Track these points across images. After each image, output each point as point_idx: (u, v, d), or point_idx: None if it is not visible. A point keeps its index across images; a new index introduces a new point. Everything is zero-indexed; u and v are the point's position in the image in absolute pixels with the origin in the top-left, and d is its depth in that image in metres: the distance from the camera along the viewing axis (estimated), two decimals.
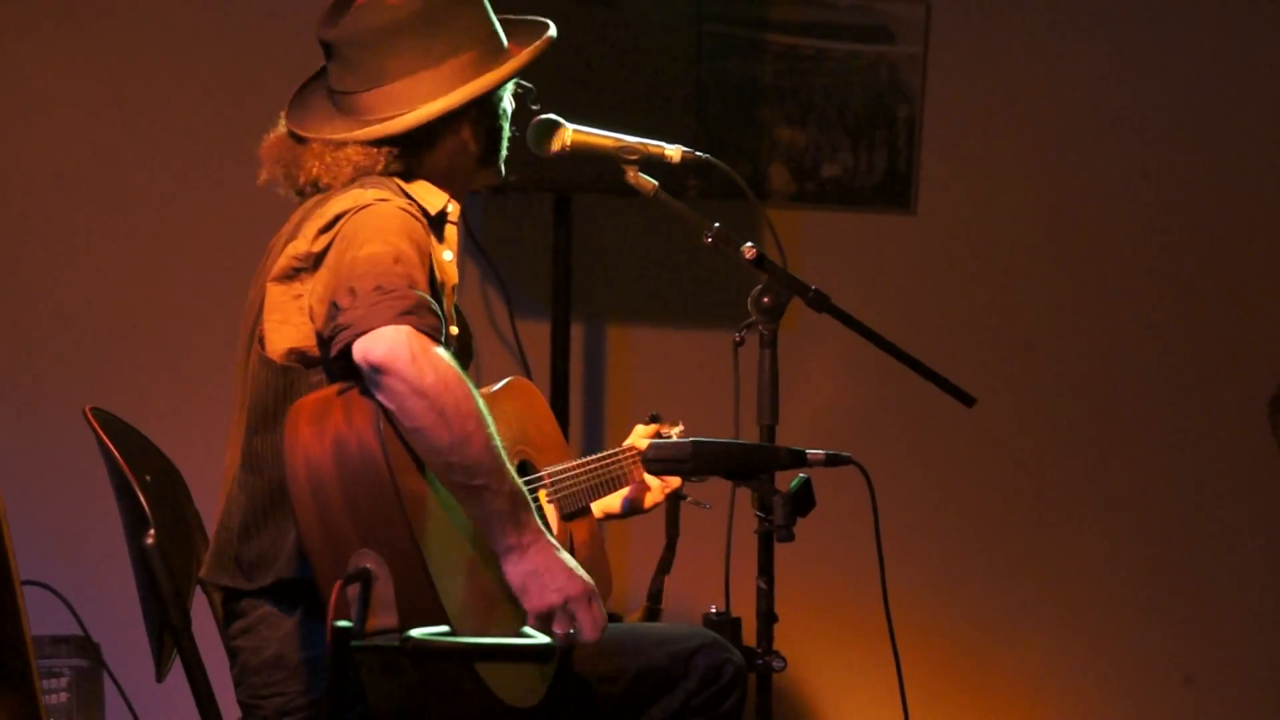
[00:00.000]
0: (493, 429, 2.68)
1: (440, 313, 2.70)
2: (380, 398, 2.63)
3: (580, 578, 2.74)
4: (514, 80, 3.08)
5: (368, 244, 2.71)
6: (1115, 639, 5.11)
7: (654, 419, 3.47)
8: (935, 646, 4.94)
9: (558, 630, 2.71)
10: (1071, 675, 5.10)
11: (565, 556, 2.75)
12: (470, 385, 2.67)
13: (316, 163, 2.97)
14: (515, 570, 2.71)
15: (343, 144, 2.96)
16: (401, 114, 2.95)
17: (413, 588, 2.60)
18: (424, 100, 2.95)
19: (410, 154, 2.97)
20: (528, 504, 2.73)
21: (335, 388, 2.72)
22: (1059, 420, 5.13)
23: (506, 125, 3.08)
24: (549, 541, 2.74)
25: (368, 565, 2.60)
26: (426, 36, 2.96)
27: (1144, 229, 5.15)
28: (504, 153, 3.10)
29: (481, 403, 2.68)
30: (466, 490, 2.67)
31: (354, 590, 2.59)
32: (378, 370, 2.61)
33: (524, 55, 3.02)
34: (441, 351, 2.66)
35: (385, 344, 2.60)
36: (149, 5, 4.65)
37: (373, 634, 2.58)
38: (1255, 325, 5.17)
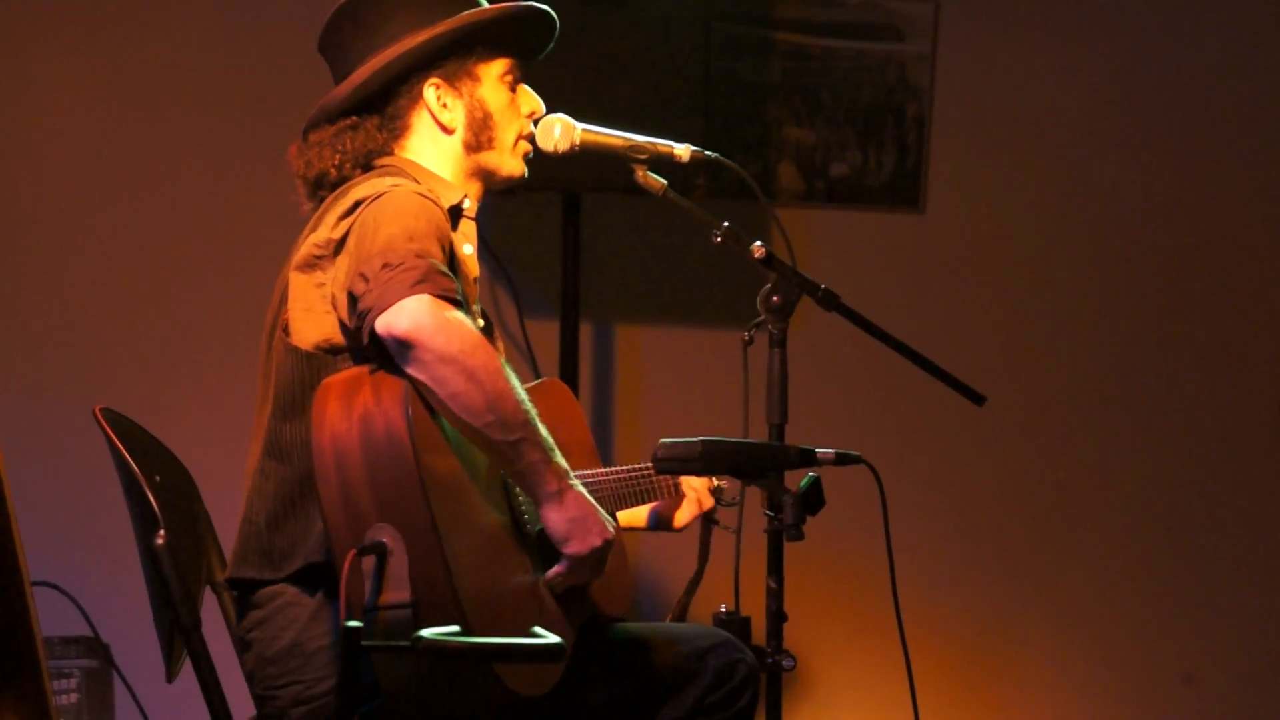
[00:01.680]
0: (518, 382, 2.75)
1: (453, 276, 2.73)
2: (410, 371, 2.67)
3: (608, 521, 2.84)
4: (500, 63, 3.09)
5: (382, 228, 2.75)
6: (1117, 639, 5.10)
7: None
8: (944, 645, 4.94)
9: (591, 576, 2.84)
10: (1075, 674, 5.10)
11: (591, 499, 2.84)
12: (490, 345, 2.73)
13: (315, 152, 3.03)
14: (560, 518, 2.79)
15: (323, 125, 3.03)
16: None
17: (428, 568, 2.62)
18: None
19: (387, 128, 3.04)
20: (555, 449, 2.79)
21: (366, 367, 2.75)
22: (1067, 419, 5.13)
23: (495, 105, 3.08)
24: (580, 487, 2.82)
25: (383, 539, 2.62)
26: (382, 18, 3.04)
27: (1154, 227, 5.14)
28: (506, 140, 3.10)
29: (502, 358, 2.74)
30: (506, 447, 2.73)
31: (368, 563, 2.60)
32: (403, 344, 2.66)
33: (464, 16, 3.04)
34: (460, 314, 2.70)
35: (406, 316, 2.65)
36: (160, 8, 4.66)
37: (385, 609, 2.59)
38: (1264, 326, 5.17)
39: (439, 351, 2.65)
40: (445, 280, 2.70)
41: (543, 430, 2.77)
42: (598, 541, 2.82)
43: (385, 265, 2.68)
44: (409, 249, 2.70)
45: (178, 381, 4.60)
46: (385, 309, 2.66)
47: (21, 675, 2.45)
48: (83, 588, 4.15)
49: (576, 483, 2.82)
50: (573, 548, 2.81)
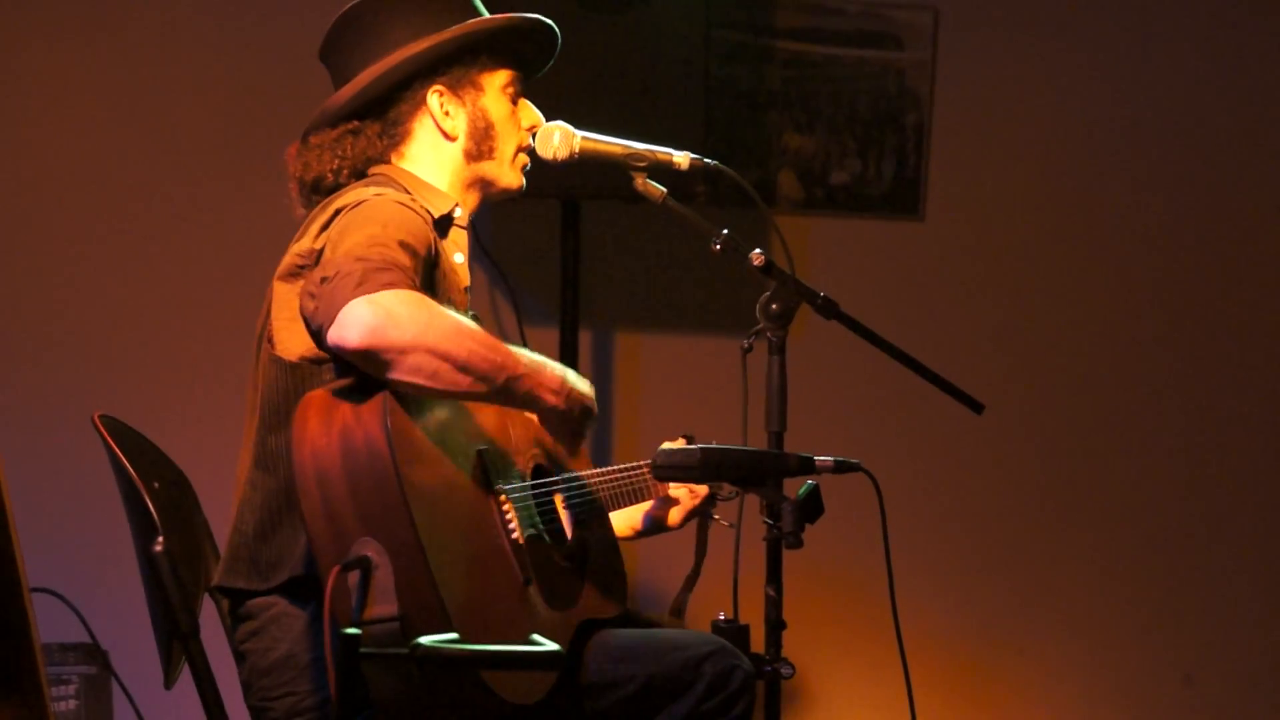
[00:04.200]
0: (476, 327, 2.74)
1: (403, 267, 2.68)
2: (380, 376, 2.64)
3: (579, 378, 2.91)
4: (503, 75, 3.09)
5: (345, 239, 2.73)
6: (1116, 639, 5.11)
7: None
8: (943, 653, 4.94)
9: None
10: (1074, 679, 5.10)
11: (573, 377, 2.89)
12: (438, 305, 2.69)
13: (314, 154, 3.02)
14: (561, 421, 2.88)
15: (323, 129, 3.02)
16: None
17: (413, 581, 2.60)
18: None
19: (388, 134, 3.03)
20: (543, 362, 2.83)
21: (343, 382, 2.73)
22: (1066, 426, 5.13)
23: (497, 115, 3.08)
24: (565, 378, 2.86)
25: (368, 554, 2.60)
26: (386, 25, 3.04)
27: (1152, 234, 5.15)
28: (507, 151, 3.10)
29: (454, 313, 2.71)
30: (496, 393, 2.75)
31: (353, 578, 2.59)
32: (360, 354, 2.62)
33: (469, 24, 3.04)
34: (399, 295, 2.62)
35: (352, 327, 2.60)
36: (162, 12, 4.66)
37: (373, 623, 2.58)
38: (1261, 330, 5.17)
39: (397, 345, 2.61)
40: (383, 274, 2.63)
41: (522, 355, 2.78)
42: (591, 401, 2.91)
43: (323, 279, 2.65)
44: (350, 255, 2.66)
45: (177, 388, 4.60)
46: (330, 323, 2.61)
47: (20, 681, 2.45)
48: (81, 594, 4.15)
49: (551, 364, 2.85)
50: (577, 428, 2.90)
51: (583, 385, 2.91)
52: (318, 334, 2.67)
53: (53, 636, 4.12)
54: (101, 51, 4.64)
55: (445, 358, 2.64)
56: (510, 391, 2.76)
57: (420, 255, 2.78)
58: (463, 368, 2.66)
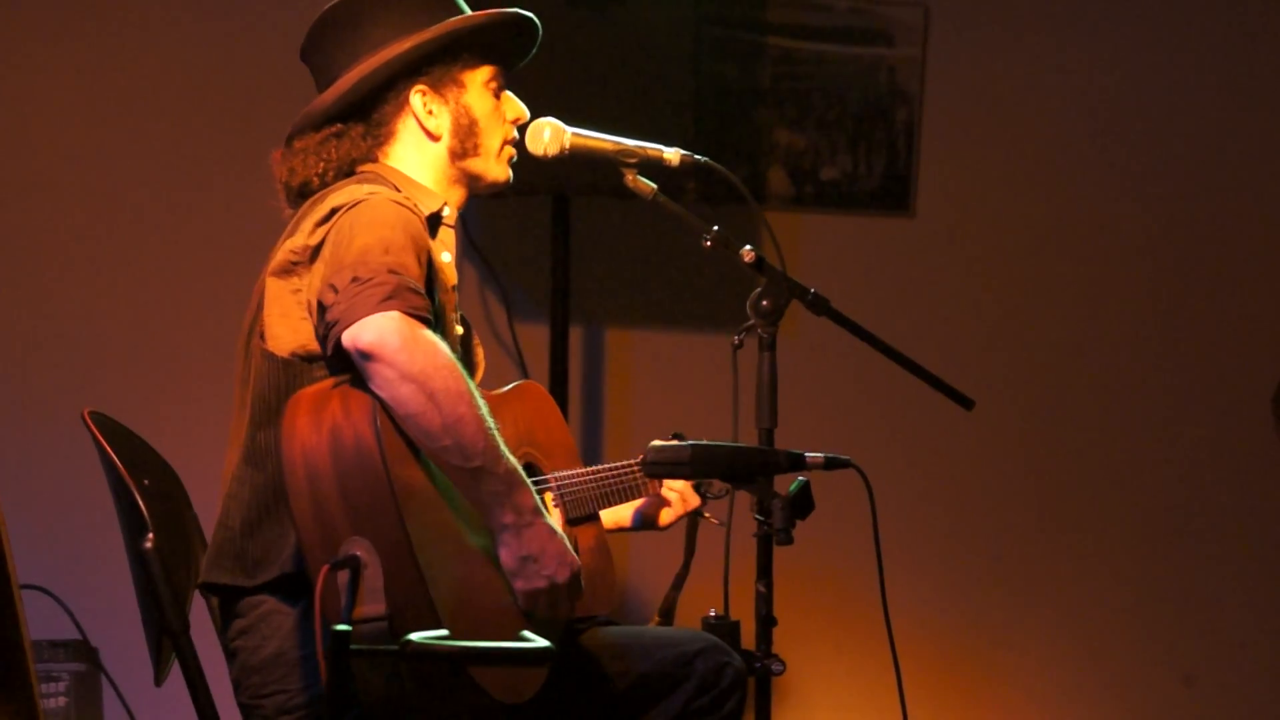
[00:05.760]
0: (485, 410, 2.71)
1: (424, 292, 2.71)
2: (373, 386, 2.65)
3: (569, 563, 2.78)
4: (485, 70, 3.08)
5: (357, 238, 2.73)
6: (1115, 639, 5.11)
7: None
8: (934, 649, 4.94)
9: (549, 612, 2.78)
10: (1071, 676, 5.10)
11: (560, 538, 2.78)
12: (460, 367, 2.69)
13: (299, 159, 3.02)
14: (510, 553, 2.75)
15: (308, 132, 3.01)
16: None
17: (402, 580, 2.60)
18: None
19: (372, 135, 3.02)
20: (524, 483, 2.75)
21: (334, 380, 2.74)
22: (1057, 422, 5.14)
23: (480, 112, 3.07)
24: (545, 522, 2.77)
25: (357, 553, 2.60)
26: (367, 25, 3.03)
27: (1143, 230, 5.15)
28: (492, 147, 3.09)
29: (472, 384, 2.71)
30: (462, 473, 2.70)
31: (343, 577, 2.59)
32: (366, 357, 2.64)
33: (450, 23, 3.03)
34: (430, 334, 2.67)
35: (373, 330, 2.63)
36: (150, 11, 4.65)
37: (361, 622, 2.58)
38: (1254, 325, 5.17)
39: (401, 369, 2.63)
40: (415, 297, 2.68)
41: (508, 460, 2.72)
42: (542, 585, 2.77)
43: (354, 279, 2.66)
44: (381, 262, 2.68)
45: (166, 385, 4.59)
46: (351, 323, 2.64)
47: (10, 679, 2.45)
48: (71, 591, 4.15)
49: (547, 516, 2.78)
50: (520, 584, 2.76)
51: (566, 546, 2.80)
52: (328, 326, 2.68)
53: (43, 634, 4.12)
54: (89, 48, 4.63)
55: (436, 406, 2.65)
56: (478, 480, 2.70)
57: (423, 262, 2.79)
58: (445, 427, 2.65)
